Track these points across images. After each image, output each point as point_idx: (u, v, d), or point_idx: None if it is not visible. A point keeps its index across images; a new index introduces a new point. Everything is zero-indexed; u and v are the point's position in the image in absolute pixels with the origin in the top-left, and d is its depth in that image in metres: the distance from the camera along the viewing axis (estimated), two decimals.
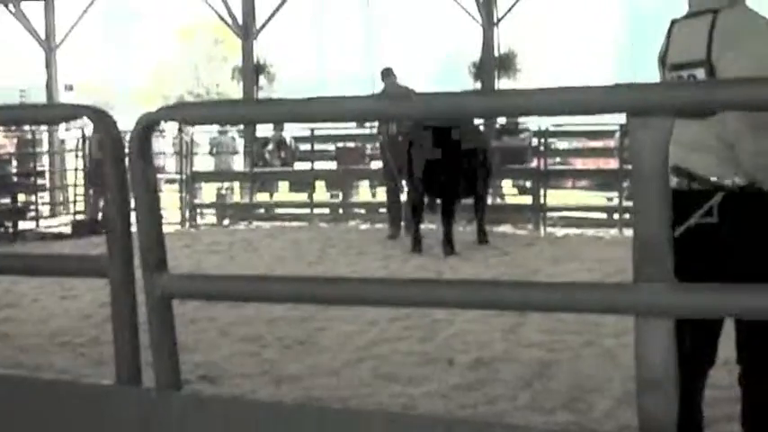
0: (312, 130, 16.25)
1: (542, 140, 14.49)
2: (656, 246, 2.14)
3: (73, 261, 3.12)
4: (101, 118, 2.74)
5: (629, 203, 12.99)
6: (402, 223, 12.79)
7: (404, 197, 12.57)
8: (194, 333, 7.08)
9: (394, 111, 2.73)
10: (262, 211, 16.57)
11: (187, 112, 2.84)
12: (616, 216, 13.72)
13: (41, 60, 20.01)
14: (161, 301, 2.73)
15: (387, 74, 13.27)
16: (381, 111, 2.81)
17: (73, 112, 3.03)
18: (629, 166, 2.26)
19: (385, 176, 13.42)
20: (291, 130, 17.28)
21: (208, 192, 17.74)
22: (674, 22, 3.73)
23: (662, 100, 2.10)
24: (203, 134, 19.96)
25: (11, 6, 19.50)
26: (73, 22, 19.95)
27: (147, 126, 2.69)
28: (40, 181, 17.52)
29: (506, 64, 15.95)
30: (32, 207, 16.35)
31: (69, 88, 22.08)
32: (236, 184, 17.44)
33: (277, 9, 17.96)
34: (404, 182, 12.15)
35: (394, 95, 2.67)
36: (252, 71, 17.87)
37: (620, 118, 8.60)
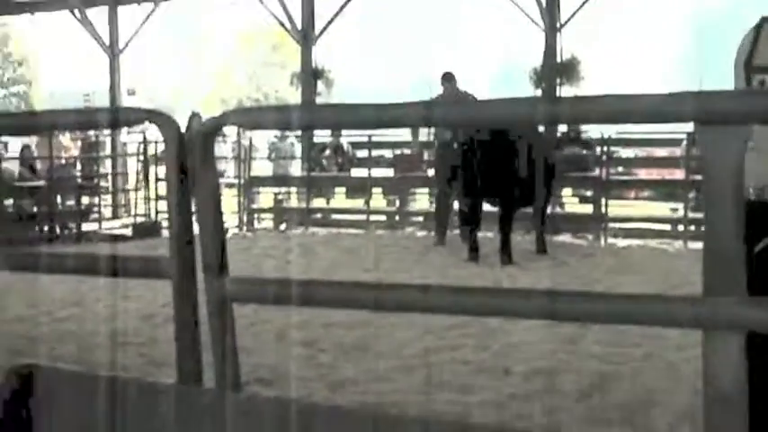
0: (369, 136, 16.26)
1: (605, 149, 14.34)
2: (728, 259, 2.09)
3: (136, 262, 3.13)
4: (166, 122, 2.75)
5: (696, 215, 12.91)
6: (456, 231, 12.74)
7: (457, 204, 12.51)
8: (252, 335, 7.11)
9: (453, 117, 2.70)
10: (318, 216, 16.61)
11: (248, 118, 2.84)
12: (681, 228, 13.53)
13: (105, 65, 20.29)
14: (221, 303, 2.73)
15: (447, 78, 13.22)
16: (440, 117, 2.77)
17: (140, 116, 3.05)
18: (697, 176, 2.20)
19: (436, 182, 13.38)
20: (349, 137, 17.33)
21: (265, 196, 17.83)
22: (765, 20, 3.57)
23: (735, 108, 2.05)
24: (262, 139, 20.09)
25: (77, 12, 19.81)
26: (136, 27, 20.21)
27: (211, 131, 2.70)
28: (102, 183, 17.81)
29: (569, 70, 15.82)
30: (95, 209, 16.65)
31: (132, 92, 22.37)
32: (294, 190, 17.50)
33: (336, 14, 18.02)
34: (458, 188, 12.07)
35: (451, 100, 2.64)
36: (310, 77, 17.93)
37: (687, 126, 8.47)
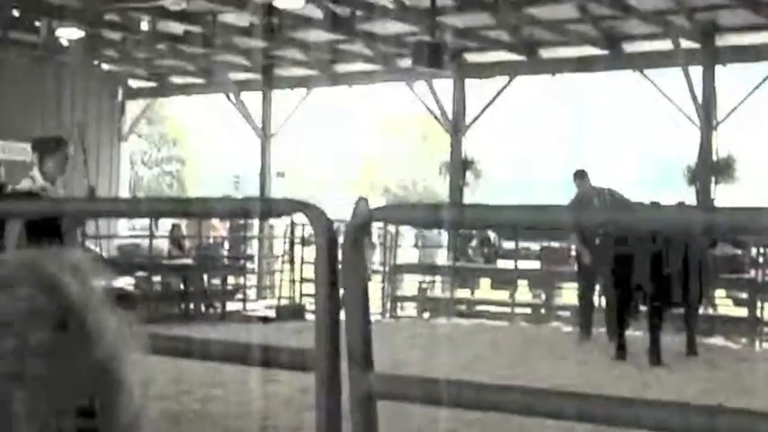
0: (515, 227, 16.11)
1: (761, 250, 13.83)
2: None
3: (281, 353, 3.09)
4: (317, 215, 2.73)
5: None
6: (603, 329, 12.41)
7: (605, 300, 12.22)
8: (394, 426, 6.99)
9: (604, 222, 2.60)
10: (462, 307, 16.47)
11: (399, 215, 2.80)
12: None
13: (257, 147, 20.81)
14: (365, 399, 2.66)
15: (580, 176, 12.98)
16: (590, 223, 2.68)
17: (291, 208, 3.03)
18: None
19: (579, 277, 13.11)
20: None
21: (409, 284, 17.80)
22: None
23: None
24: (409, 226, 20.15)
25: (231, 96, 20.45)
26: (288, 112, 20.71)
27: (362, 225, 2.66)
28: (249, 264, 18.09)
29: (723, 169, 15.41)
30: (241, 289, 16.87)
31: (281, 175, 22.84)
32: (438, 278, 17.43)
33: (487, 106, 18.10)
34: (605, 284, 11.78)
35: (588, 198, 2.54)
36: (459, 166, 17.98)
37: None
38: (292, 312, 15.15)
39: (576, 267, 13.42)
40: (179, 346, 3.23)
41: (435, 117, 18.44)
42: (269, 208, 3.32)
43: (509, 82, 17.72)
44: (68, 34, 16.66)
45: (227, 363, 3.18)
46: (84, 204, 5.39)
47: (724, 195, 15.54)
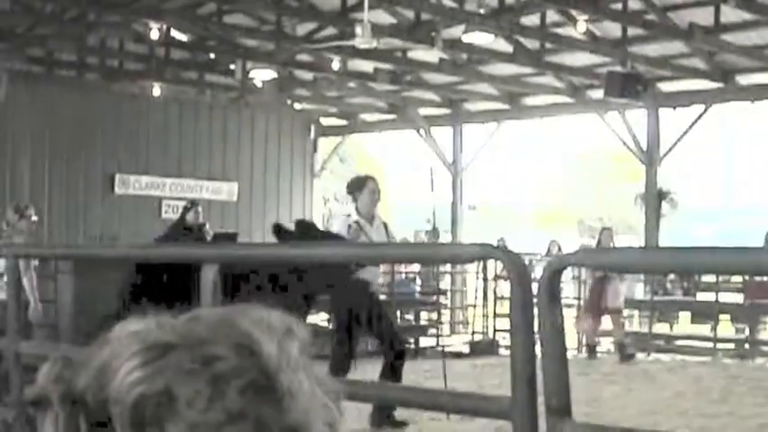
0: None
1: None
2: None
3: (477, 400, 3.05)
4: (511, 260, 2.69)
5: None
6: None
7: None
8: None
9: None
10: (661, 342, 16.00)
11: (598, 258, 2.72)
12: None
13: (448, 181, 20.90)
14: None
15: None
16: None
17: (484, 254, 3.01)
18: None
19: None
20: None
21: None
22: None
23: None
24: None
25: (422, 132, 20.63)
26: (478, 146, 20.73)
27: (559, 269, 2.60)
28: (442, 300, 18.09)
29: None
30: (434, 325, 16.85)
31: (472, 208, 22.86)
32: (636, 313, 17.00)
33: (682, 135, 17.64)
34: None
35: None
36: (655, 198, 17.57)
37: None
38: (486, 348, 15.08)
39: None
40: (368, 392, 3.23)
41: (629, 148, 18.08)
42: (460, 252, 3.28)
43: (705, 110, 17.20)
44: (262, 75, 17.20)
45: (426, 410, 3.16)
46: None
47: None
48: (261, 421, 0.91)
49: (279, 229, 7.52)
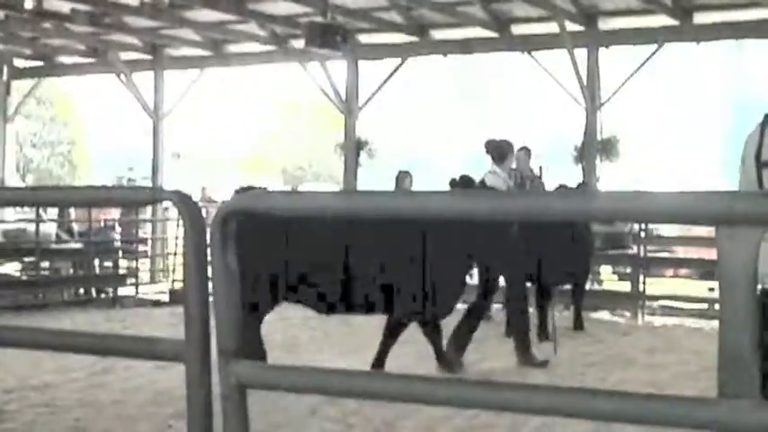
0: None
1: (643, 227, 14.21)
2: (742, 361, 2.05)
3: (150, 344, 3.09)
4: (185, 203, 2.75)
5: None
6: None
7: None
8: (283, 410, 7.05)
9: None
10: None
11: (269, 202, 2.81)
12: (717, 307, 13.32)
13: (150, 129, 20.55)
14: (235, 389, 2.70)
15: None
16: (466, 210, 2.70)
17: (157, 197, 3.05)
18: None
19: None
20: None
21: None
22: None
23: (750, 210, 2.00)
24: None
25: (122, 77, 20.13)
26: (181, 92, 20.50)
27: (230, 212, 2.69)
28: (141, 248, 17.84)
29: (608, 148, 15.80)
30: (133, 273, 16.60)
31: (177, 156, 22.60)
32: None
33: (380, 87, 18.17)
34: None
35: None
36: (354, 147, 18.06)
37: None
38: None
39: None
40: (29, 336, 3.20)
41: (329, 98, 18.45)
42: (135, 196, 3.30)
43: (401, 63, 17.81)
44: None
45: (96, 355, 3.18)
46: None
47: (608, 173, 16.00)
48: None
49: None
